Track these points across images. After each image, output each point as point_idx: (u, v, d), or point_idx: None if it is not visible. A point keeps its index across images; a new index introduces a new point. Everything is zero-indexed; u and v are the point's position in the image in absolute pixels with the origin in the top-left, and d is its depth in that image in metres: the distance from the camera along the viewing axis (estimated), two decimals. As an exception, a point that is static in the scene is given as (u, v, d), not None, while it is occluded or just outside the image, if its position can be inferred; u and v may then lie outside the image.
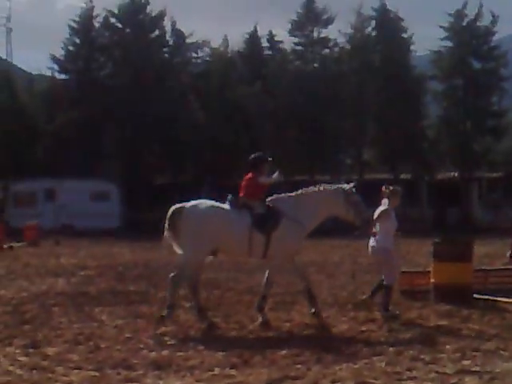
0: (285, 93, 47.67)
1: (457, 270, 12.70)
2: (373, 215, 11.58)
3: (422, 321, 11.05)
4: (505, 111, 48.68)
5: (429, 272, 13.42)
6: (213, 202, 11.04)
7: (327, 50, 52.13)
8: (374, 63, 48.68)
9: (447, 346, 9.05)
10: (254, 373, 7.89)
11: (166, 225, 10.91)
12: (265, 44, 53.84)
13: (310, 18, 51.36)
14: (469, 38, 48.30)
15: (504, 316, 11.33)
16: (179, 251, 10.90)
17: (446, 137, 47.72)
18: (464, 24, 48.98)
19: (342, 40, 51.39)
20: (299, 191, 11.44)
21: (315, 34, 51.68)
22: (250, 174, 11.32)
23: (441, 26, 50.03)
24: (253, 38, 53.16)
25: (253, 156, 11.60)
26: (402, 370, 7.88)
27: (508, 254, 19.66)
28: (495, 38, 50.36)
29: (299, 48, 52.56)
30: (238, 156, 47.84)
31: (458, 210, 44.16)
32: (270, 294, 11.45)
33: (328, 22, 51.50)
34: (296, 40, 52.49)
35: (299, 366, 8.18)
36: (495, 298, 12.63)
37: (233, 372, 7.98)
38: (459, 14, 49.13)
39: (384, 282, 11.63)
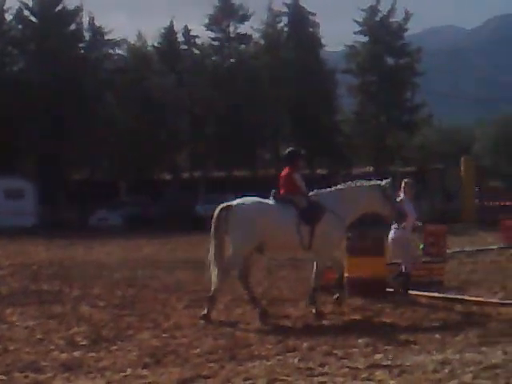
0: (202, 88, 47.60)
1: (369, 264, 12.84)
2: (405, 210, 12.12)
3: (336, 315, 11.10)
4: (418, 107, 49.64)
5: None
6: (259, 199, 11.35)
7: (243, 46, 52.31)
8: (288, 59, 49.07)
9: (360, 341, 9.11)
10: (166, 372, 7.79)
11: (214, 223, 11.08)
12: (181, 39, 53.67)
13: (226, 13, 51.42)
14: (382, 33, 49.11)
15: (415, 309, 11.49)
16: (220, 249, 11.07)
17: (361, 131, 48.41)
18: (377, 19, 49.80)
19: (256, 36, 51.76)
20: (338, 186, 11.87)
21: (231, 30, 51.81)
22: (286, 170, 11.65)
23: (355, 21, 50.79)
24: (169, 33, 52.89)
25: (288, 151, 12.03)
26: (314, 365, 7.89)
27: (420, 247, 20.02)
28: (412, 33, 51.36)
29: (216, 43, 52.55)
30: (155, 151, 47.60)
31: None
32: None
33: (244, 18, 51.70)
34: (213, 35, 52.50)
35: (212, 364, 8.11)
36: (409, 291, 12.82)
37: (145, 372, 7.85)
38: (372, 10, 49.94)
39: (403, 270, 12.46)
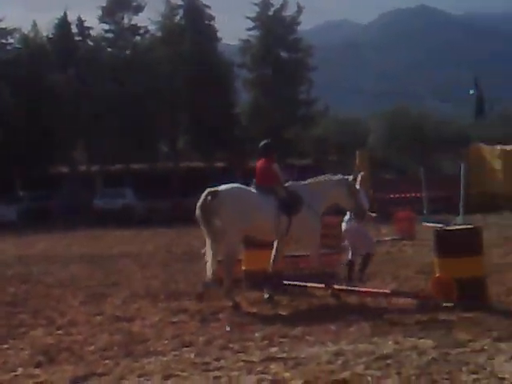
0: (98, 80, 46.90)
1: (267, 257, 12.91)
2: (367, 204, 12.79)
3: (234, 309, 11.13)
4: (313, 101, 50.29)
5: (240, 260, 13.57)
6: (243, 186, 11.82)
7: (138, 38, 51.81)
8: (184, 51, 48.91)
9: (256, 334, 9.16)
10: (59, 370, 7.64)
11: (200, 209, 11.29)
12: (75, 30, 52.71)
13: (120, 5, 50.76)
14: (275, 27, 49.49)
15: (311, 301, 11.64)
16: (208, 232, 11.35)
17: (258, 125, 48.69)
18: (270, 14, 50.16)
19: (153, 28, 51.38)
20: (309, 180, 12.39)
21: (126, 21, 51.21)
22: (263, 161, 12.19)
23: (247, 17, 51.05)
24: (62, 24, 51.84)
25: (263, 143, 12.55)
26: (210, 360, 7.88)
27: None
28: (307, 28, 51.93)
29: (110, 35, 51.82)
30: (50, 146, 46.56)
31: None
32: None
33: (138, 9, 51.18)
34: (106, 27, 51.77)
35: (107, 361, 8.00)
36: (304, 284, 12.95)
37: (37, 371, 7.68)
38: (265, 4, 50.27)
39: (367, 252, 13.04)
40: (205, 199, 11.32)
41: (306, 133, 49.34)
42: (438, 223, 21.95)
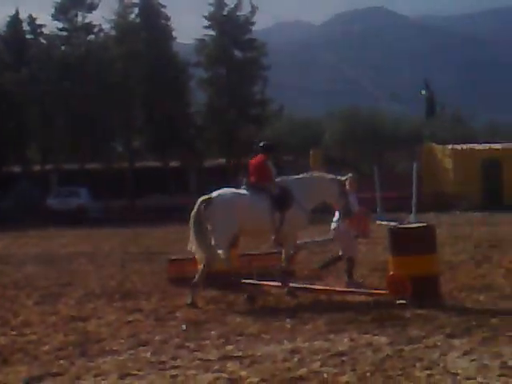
0: (51, 79, 46.41)
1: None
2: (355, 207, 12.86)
3: (190, 308, 11.12)
4: (267, 100, 50.36)
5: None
6: (234, 190, 12.10)
7: (93, 36, 51.39)
8: (139, 50, 48.67)
9: (212, 332, 9.18)
10: (13, 371, 7.57)
11: (194, 216, 11.62)
12: (27, 28, 52.05)
13: (73, 3, 50.24)
14: (229, 26, 49.52)
15: (267, 299, 11.70)
16: (197, 240, 11.56)
17: (213, 124, 48.66)
18: (225, 13, 50.18)
19: (107, 26, 51.01)
20: (301, 175, 12.56)
21: (79, 19, 50.72)
22: (260, 157, 12.36)
23: (203, 16, 51.00)
24: (14, 22, 51.18)
25: (264, 143, 12.84)
26: (166, 358, 7.88)
27: (273, 238, 20.33)
28: (261, 28, 52.04)
29: (63, 33, 51.27)
30: (3, 145, 45.95)
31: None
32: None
33: (92, 7, 50.73)
34: (60, 25, 51.23)
35: (62, 361, 7.95)
36: (260, 282, 12.99)
37: (-9, 372, 7.61)
38: (219, 3, 50.27)
39: (347, 256, 12.90)
40: (199, 208, 11.65)
41: (260, 132, 49.40)
42: (392, 221, 22.21)
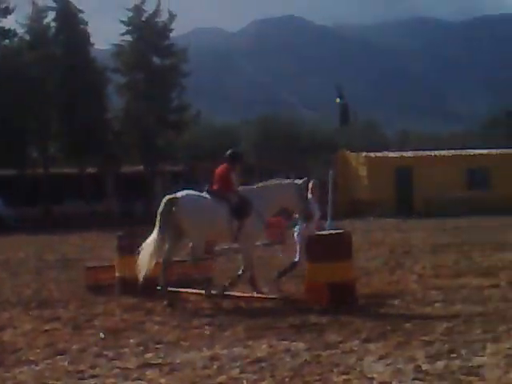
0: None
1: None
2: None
3: (107, 316, 11.03)
4: (185, 106, 50.29)
5: (114, 266, 13.47)
6: (197, 193, 12.36)
7: (7, 41, 50.33)
8: (56, 55, 47.94)
9: (131, 340, 9.13)
10: None
11: (161, 215, 11.86)
12: None
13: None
14: (148, 32, 49.30)
15: (185, 306, 11.70)
16: (159, 238, 11.80)
17: (131, 130, 48.31)
18: (143, 19, 49.95)
19: (21, 31, 50.05)
20: (261, 183, 12.90)
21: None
22: (225, 166, 12.58)
23: (121, 21, 50.60)
24: None
25: (232, 151, 12.97)
26: (85, 368, 7.80)
27: (190, 245, 20.31)
28: (178, 34, 51.91)
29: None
30: None
31: (144, 202, 44.95)
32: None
33: (7, 11, 49.69)
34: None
35: (-23, 372, 7.80)
36: (178, 289, 12.97)
37: None
38: (138, 9, 50.01)
39: (295, 260, 13.02)
40: (165, 206, 11.89)
41: (178, 139, 49.26)
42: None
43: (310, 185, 13.32)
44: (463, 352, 8.02)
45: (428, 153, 43.49)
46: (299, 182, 12.76)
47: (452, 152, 43.31)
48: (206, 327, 9.84)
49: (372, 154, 42.49)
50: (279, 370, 7.50)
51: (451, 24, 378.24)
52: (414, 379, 7.05)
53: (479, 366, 7.40)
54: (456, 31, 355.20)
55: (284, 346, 8.60)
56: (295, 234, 13.36)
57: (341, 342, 8.68)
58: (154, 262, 11.84)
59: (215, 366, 7.72)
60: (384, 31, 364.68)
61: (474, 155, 42.98)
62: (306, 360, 7.88)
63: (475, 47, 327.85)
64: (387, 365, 7.60)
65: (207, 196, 12.28)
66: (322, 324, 9.78)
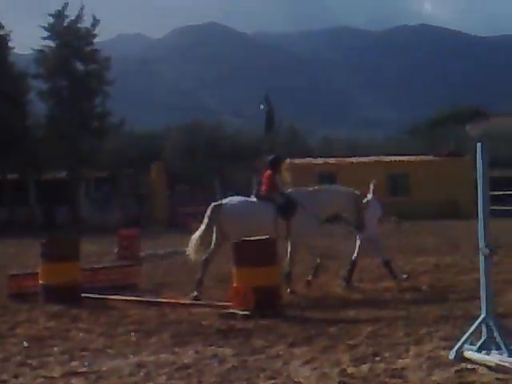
0: None
1: (64, 269, 12.72)
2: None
3: (31, 324, 10.84)
4: (109, 113, 49.74)
5: (37, 273, 13.26)
6: (244, 198, 13.61)
7: None
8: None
9: (55, 348, 9.00)
10: None
11: (206, 219, 13.16)
12: None
13: None
14: (70, 38, 48.58)
15: (111, 313, 11.55)
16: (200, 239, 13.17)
17: (53, 137, 47.47)
18: (65, 25, 49.19)
19: None
20: (316, 187, 13.96)
21: None
22: (269, 172, 13.77)
23: (42, 26, 49.74)
24: None
25: (272, 156, 14.28)
26: (8, 377, 7.64)
27: (115, 251, 20.20)
28: (101, 40, 51.28)
29: None
30: None
31: (68, 209, 44.33)
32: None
33: None
34: None
35: None
36: (103, 296, 12.86)
37: None
38: (60, 15, 49.24)
39: (353, 258, 13.87)
40: (212, 212, 13.13)
41: (101, 145, 48.66)
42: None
43: (371, 185, 14.08)
44: (387, 355, 8.18)
45: (350, 159, 44.12)
46: (357, 192, 13.75)
47: (373, 158, 44.04)
48: (133, 334, 9.77)
49: (296, 161, 42.83)
50: (206, 376, 7.51)
51: (372, 33, 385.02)
52: (339, 383, 7.15)
53: (403, 369, 7.57)
54: (377, 41, 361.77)
55: (211, 351, 8.62)
56: (358, 237, 13.98)
57: (267, 347, 8.74)
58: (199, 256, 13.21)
59: (142, 373, 7.68)
60: (306, 40, 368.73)
61: (395, 161, 43.78)
62: (233, 365, 7.92)
63: (395, 56, 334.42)
64: (313, 369, 7.70)
65: (254, 199, 13.50)
66: (249, 329, 9.83)
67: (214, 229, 13.15)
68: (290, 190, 14.00)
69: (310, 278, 13.59)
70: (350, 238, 14.55)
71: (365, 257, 14.66)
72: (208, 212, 13.20)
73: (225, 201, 13.40)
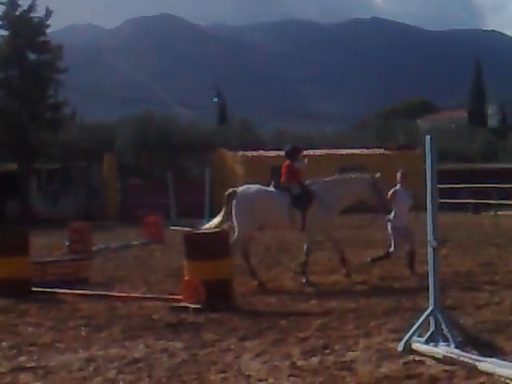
0: None
1: (13, 263, 12.56)
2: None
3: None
4: (61, 104, 49.17)
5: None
6: (260, 186, 13.65)
7: None
8: None
9: (3, 343, 8.90)
10: None
11: (224, 201, 13.33)
12: None
13: None
14: (23, 28, 47.90)
15: (61, 307, 11.44)
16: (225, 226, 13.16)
17: (4, 128, 46.75)
18: (18, 14, 48.48)
19: None
20: (334, 177, 14.17)
21: None
22: (287, 162, 13.93)
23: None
24: None
25: (289, 147, 14.54)
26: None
27: (66, 245, 19.99)
28: (53, 29, 50.61)
29: None
30: None
31: (18, 202, 43.72)
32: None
33: None
34: None
35: None
36: (53, 290, 12.73)
37: None
38: (12, 4, 48.51)
39: (390, 251, 13.83)
40: (227, 198, 13.26)
41: (53, 137, 48.01)
42: (186, 227, 22.49)
43: (399, 175, 14.01)
44: (337, 347, 8.26)
45: (303, 152, 44.25)
46: (375, 175, 13.80)
47: (326, 151, 44.23)
48: (83, 328, 9.71)
49: (248, 153, 42.84)
50: (156, 370, 7.50)
51: (323, 27, 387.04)
52: (289, 376, 7.20)
53: (352, 361, 7.64)
54: (328, 34, 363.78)
55: (161, 345, 8.60)
56: (389, 227, 13.87)
57: (218, 341, 8.75)
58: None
59: (91, 368, 7.64)
60: (258, 32, 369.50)
61: (347, 154, 44.04)
62: (183, 359, 7.92)
63: (346, 50, 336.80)
64: (264, 362, 7.73)
65: (271, 189, 13.58)
66: (200, 323, 9.83)
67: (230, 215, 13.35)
68: (308, 182, 13.90)
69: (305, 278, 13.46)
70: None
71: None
72: (225, 198, 13.38)
73: (240, 188, 13.57)
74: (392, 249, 13.90)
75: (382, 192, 13.78)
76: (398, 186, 14.07)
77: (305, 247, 13.77)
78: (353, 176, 14.27)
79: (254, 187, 13.66)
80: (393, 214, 13.87)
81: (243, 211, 13.11)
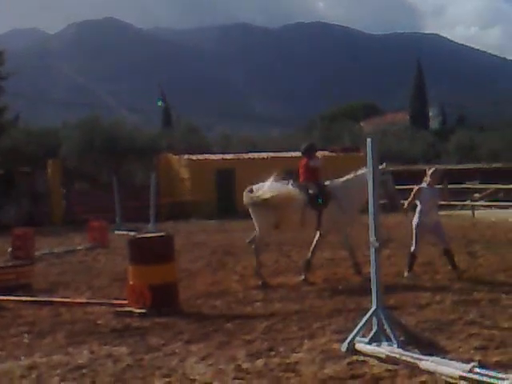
0: None
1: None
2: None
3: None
4: (3, 109, 48.47)
5: None
6: (277, 184, 13.28)
7: None
8: None
9: None
10: None
11: (244, 200, 13.32)
12: None
13: None
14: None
15: (3, 314, 11.26)
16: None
17: None
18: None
19: None
20: (350, 175, 13.84)
21: None
22: (303, 160, 13.92)
23: None
24: None
25: (305, 145, 14.29)
26: None
27: (9, 251, 19.72)
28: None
29: None
30: None
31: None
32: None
33: None
34: None
35: None
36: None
37: None
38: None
39: (411, 250, 13.39)
40: (244, 197, 13.26)
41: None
42: (131, 231, 22.33)
43: (430, 171, 13.61)
44: (281, 349, 8.30)
45: (248, 155, 44.34)
46: (381, 166, 13.10)
47: (271, 154, 44.38)
48: (25, 335, 9.58)
49: (194, 157, 42.74)
50: (100, 376, 7.46)
51: (267, 30, 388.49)
52: (234, 378, 7.22)
53: (296, 363, 7.69)
54: (272, 38, 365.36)
55: (106, 351, 8.55)
56: (413, 224, 13.50)
57: (163, 345, 8.74)
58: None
59: (34, 375, 7.56)
60: (202, 36, 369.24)
61: (292, 157, 44.22)
62: (128, 364, 7.89)
63: (290, 53, 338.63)
64: (209, 365, 7.74)
65: (291, 187, 13.38)
66: (145, 327, 9.79)
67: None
68: (327, 182, 13.81)
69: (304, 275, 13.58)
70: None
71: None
72: (244, 196, 13.39)
73: (255, 186, 13.41)
74: (413, 247, 13.56)
75: (392, 189, 13.65)
76: (423, 184, 13.76)
77: (312, 246, 13.86)
78: (362, 173, 13.39)
79: (272, 184, 13.40)
80: (418, 211, 13.59)
81: (259, 210, 13.20)
